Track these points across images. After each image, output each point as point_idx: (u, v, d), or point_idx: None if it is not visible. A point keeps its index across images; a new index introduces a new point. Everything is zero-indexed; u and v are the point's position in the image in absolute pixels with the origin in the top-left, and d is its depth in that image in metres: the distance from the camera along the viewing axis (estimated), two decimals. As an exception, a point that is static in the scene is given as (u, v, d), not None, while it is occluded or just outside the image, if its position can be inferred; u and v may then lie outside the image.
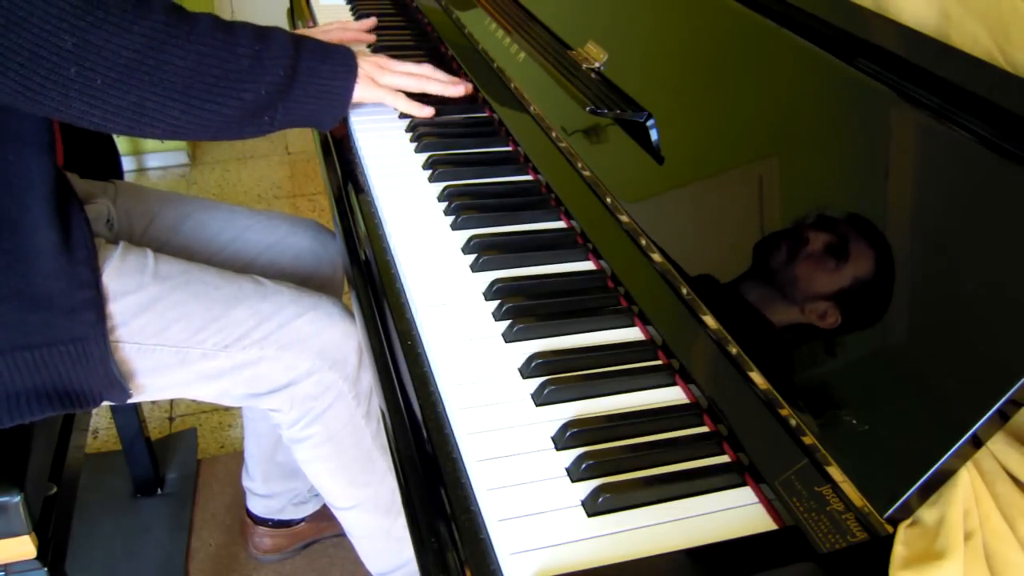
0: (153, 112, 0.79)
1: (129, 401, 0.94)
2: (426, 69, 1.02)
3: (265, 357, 0.97)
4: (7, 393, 0.85)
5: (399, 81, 0.99)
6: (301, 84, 0.87)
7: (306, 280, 1.17)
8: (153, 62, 0.77)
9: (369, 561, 1.17)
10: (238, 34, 0.83)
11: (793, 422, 0.56)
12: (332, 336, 0.99)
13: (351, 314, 1.02)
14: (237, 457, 1.58)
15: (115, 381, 0.90)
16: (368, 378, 1.03)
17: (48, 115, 0.78)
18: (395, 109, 1.02)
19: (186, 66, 0.79)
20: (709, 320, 0.64)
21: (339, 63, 0.92)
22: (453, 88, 1.03)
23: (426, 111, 1.01)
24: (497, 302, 0.72)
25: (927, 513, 0.50)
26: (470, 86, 1.06)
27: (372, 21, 1.25)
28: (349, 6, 1.48)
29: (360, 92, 0.94)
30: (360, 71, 0.93)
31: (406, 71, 1.00)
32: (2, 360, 0.84)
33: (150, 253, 0.96)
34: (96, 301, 0.88)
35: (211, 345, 0.95)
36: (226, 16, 3.08)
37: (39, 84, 0.74)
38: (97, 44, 0.74)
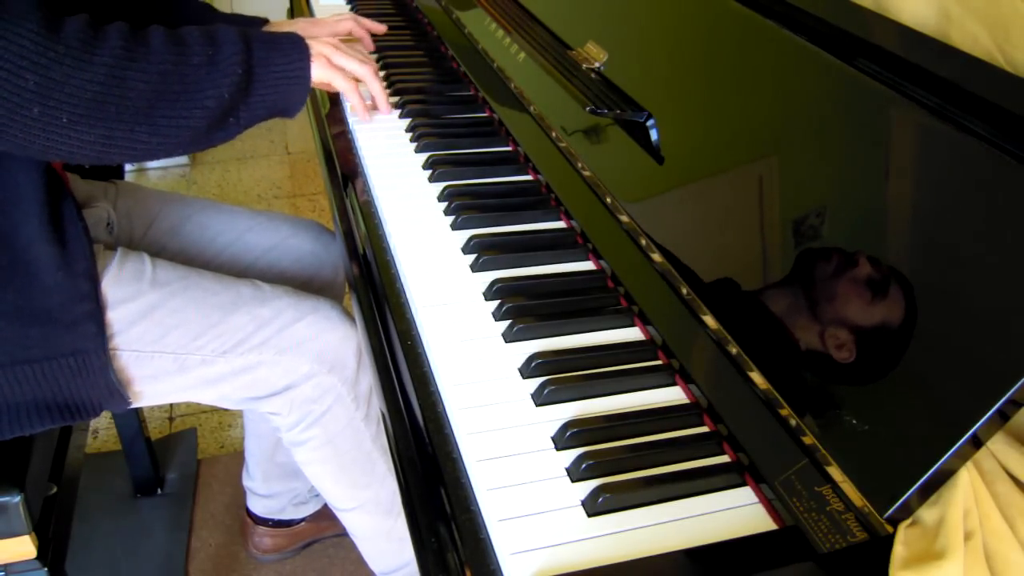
0: (121, 141, 0.77)
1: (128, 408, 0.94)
2: (372, 64, 1.01)
3: (263, 362, 0.96)
4: (7, 406, 0.85)
5: (351, 65, 0.97)
6: (259, 77, 0.85)
7: (307, 283, 1.17)
8: (118, 92, 0.75)
9: (371, 560, 1.17)
10: (189, 42, 0.81)
11: (793, 422, 0.56)
12: (331, 340, 0.98)
13: (350, 317, 1.02)
14: (237, 457, 1.58)
15: (115, 391, 0.90)
16: (367, 381, 1.03)
17: (8, 150, 0.76)
18: (343, 95, 1.01)
19: (149, 89, 0.77)
20: (709, 320, 0.64)
21: (290, 48, 0.89)
22: (386, 104, 1.05)
23: (366, 116, 1.02)
24: (497, 302, 0.72)
25: (927, 513, 0.50)
26: (392, 112, 1.06)
27: (383, 27, 1.22)
28: (349, 6, 1.48)
29: (314, 72, 0.92)
30: (313, 50, 0.91)
31: (357, 57, 0.98)
32: (2, 374, 0.84)
33: (147, 259, 0.95)
34: (96, 313, 0.88)
35: (210, 351, 0.94)
36: (226, 16, 3.06)
37: (1, 124, 0.71)
38: (60, 80, 0.71)
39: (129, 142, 0.78)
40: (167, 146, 0.81)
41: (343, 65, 0.96)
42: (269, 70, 0.86)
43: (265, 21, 1.14)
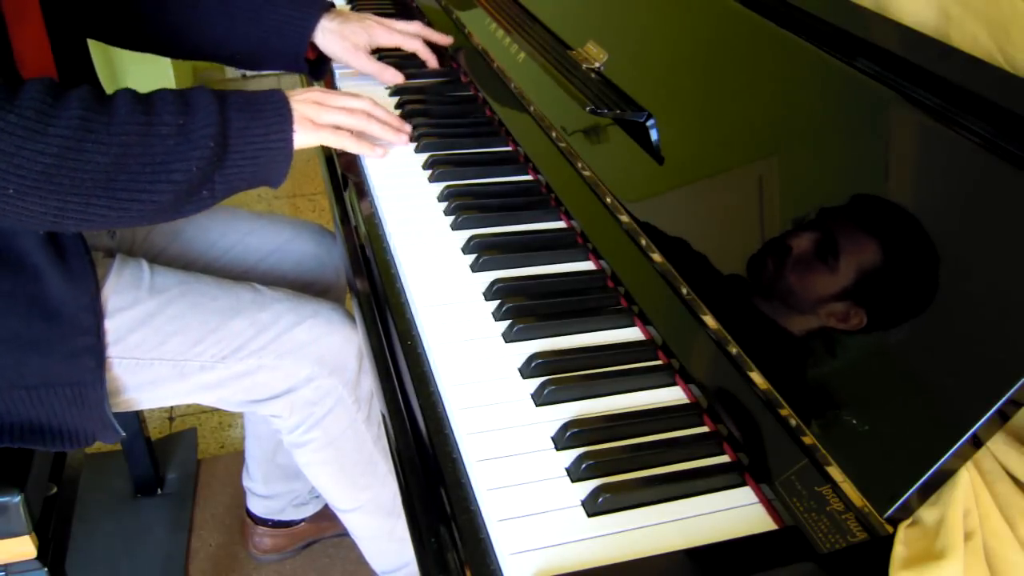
0: (75, 213, 0.73)
1: (126, 410, 0.94)
2: (366, 104, 0.93)
3: (263, 366, 0.96)
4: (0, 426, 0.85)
5: (338, 118, 0.89)
6: (235, 149, 0.79)
7: (308, 286, 1.17)
8: (73, 164, 0.70)
9: (372, 560, 1.17)
10: (159, 108, 0.76)
11: (793, 422, 0.56)
12: (332, 343, 0.98)
13: (351, 319, 1.01)
14: (237, 457, 1.58)
15: (109, 425, 0.90)
16: (368, 383, 1.03)
17: None
18: (342, 149, 0.93)
19: (108, 161, 0.72)
20: (709, 320, 0.64)
21: (271, 113, 0.82)
22: (395, 135, 0.95)
23: (376, 152, 0.93)
24: (497, 302, 0.72)
25: (927, 513, 0.50)
26: (408, 134, 0.97)
27: (449, 39, 1.17)
28: (349, 6, 1.48)
29: (298, 138, 0.84)
30: (295, 114, 0.84)
31: (344, 105, 0.90)
32: None
33: (145, 266, 0.95)
34: (96, 347, 0.87)
35: (209, 357, 0.94)
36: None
37: None
38: (8, 151, 0.68)
39: (84, 215, 0.74)
40: (128, 219, 0.76)
41: (328, 122, 0.88)
42: (247, 142, 0.80)
43: (331, 5, 1.09)
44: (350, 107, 0.91)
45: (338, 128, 0.89)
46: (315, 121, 0.86)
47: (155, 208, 0.77)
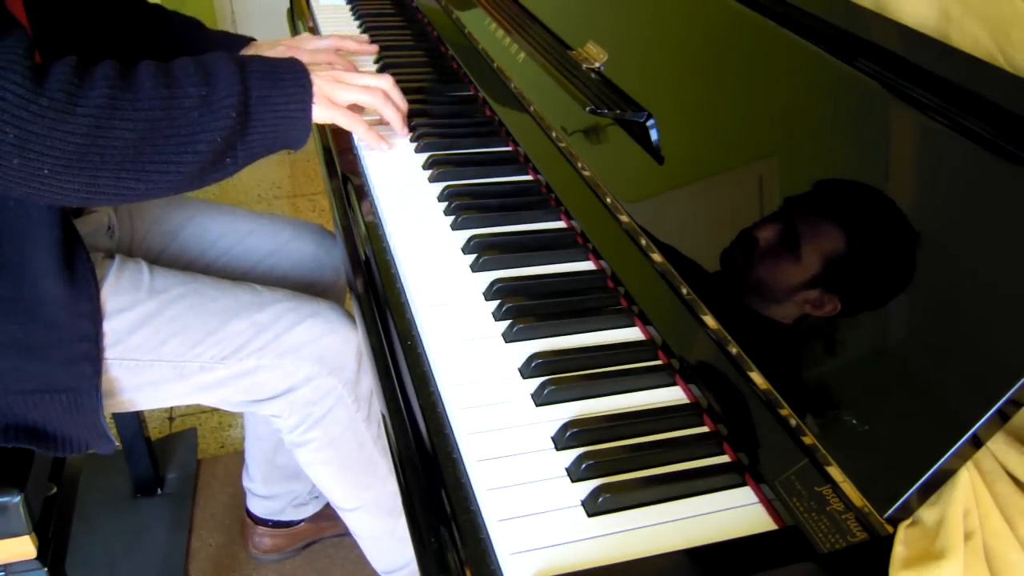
0: (107, 187, 0.75)
1: (126, 411, 0.94)
2: (385, 83, 0.94)
3: (263, 366, 0.96)
4: None
5: (356, 96, 0.90)
6: (257, 116, 0.81)
7: (308, 287, 1.17)
8: (102, 141, 0.72)
9: (373, 559, 1.17)
10: (181, 80, 0.77)
11: (793, 422, 0.56)
12: (331, 342, 0.98)
13: (351, 318, 1.01)
14: (237, 457, 1.58)
15: (103, 434, 0.90)
16: (368, 382, 1.03)
17: None
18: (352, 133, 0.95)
19: (136, 137, 0.74)
20: (709, 320, 0.64)
21: (291, 83, 0.84)
22: (404, 126, 0.98)
23: (383, 145, 0.95)
24: (497, 302, 0.72)
25: (927, 513, 0.50)
26: (407, 135, 0.99)
27: (366, 39, 1.19)
28: (349, 6, 1.48)
29: (315, 113, 0.86)
30: (315, 88, 0.85)
31: (364, 84, 0.92)
32: None
33: (145, 267, 0.95)
34: (94, 354, 0.87)
35: (208, 358, 0.94)
36: (226, 16, 3.06)
37: None
38: (41, 134, 0.70)
39: (115, 189, 0.76)
40: (157, 191, 0.78)
41: (344, 100, 0.90)
42: (268, 109, 0.82)
43: (251, 40, 1.12)
44: (370, 85, 0.92)
45: (354, 110, 0.91)
46: (332, 99, 0.88)
47: (182, 179, 0.79)
